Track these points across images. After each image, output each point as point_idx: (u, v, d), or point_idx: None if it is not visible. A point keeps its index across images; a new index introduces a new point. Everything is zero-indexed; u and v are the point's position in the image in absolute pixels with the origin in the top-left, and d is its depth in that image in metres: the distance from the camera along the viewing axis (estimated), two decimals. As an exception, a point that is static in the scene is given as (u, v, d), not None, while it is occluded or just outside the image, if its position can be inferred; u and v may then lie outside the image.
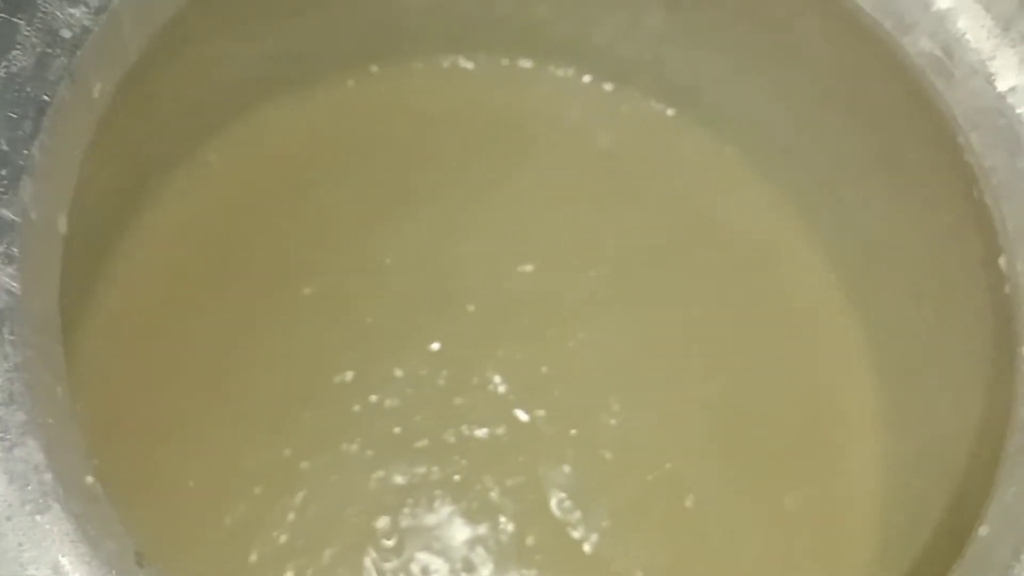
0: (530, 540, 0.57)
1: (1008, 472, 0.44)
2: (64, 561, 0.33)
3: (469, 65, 0.69)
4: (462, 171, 0.66)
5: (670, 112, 0.69)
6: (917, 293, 0.59)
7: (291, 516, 0.56)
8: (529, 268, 0.64)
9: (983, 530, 0.42)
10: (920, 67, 0.50)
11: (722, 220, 0.67)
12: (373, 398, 0.59)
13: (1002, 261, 0.47)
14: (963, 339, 0.54)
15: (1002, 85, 0.47)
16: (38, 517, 0.33)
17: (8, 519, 0.33)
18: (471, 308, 0.62)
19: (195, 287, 0.61)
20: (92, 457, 0.37)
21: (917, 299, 0.59)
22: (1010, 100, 0.47)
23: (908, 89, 0.52)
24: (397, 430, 0.59)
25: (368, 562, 0.56)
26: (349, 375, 0.60)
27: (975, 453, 0.51)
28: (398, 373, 0.60)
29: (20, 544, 0.33)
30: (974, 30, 0.47)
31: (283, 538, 0.56)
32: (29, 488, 0.33)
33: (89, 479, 0.35)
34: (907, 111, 0.54)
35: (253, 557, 0.55)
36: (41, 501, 0.33)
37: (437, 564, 0.56)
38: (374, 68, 0.68)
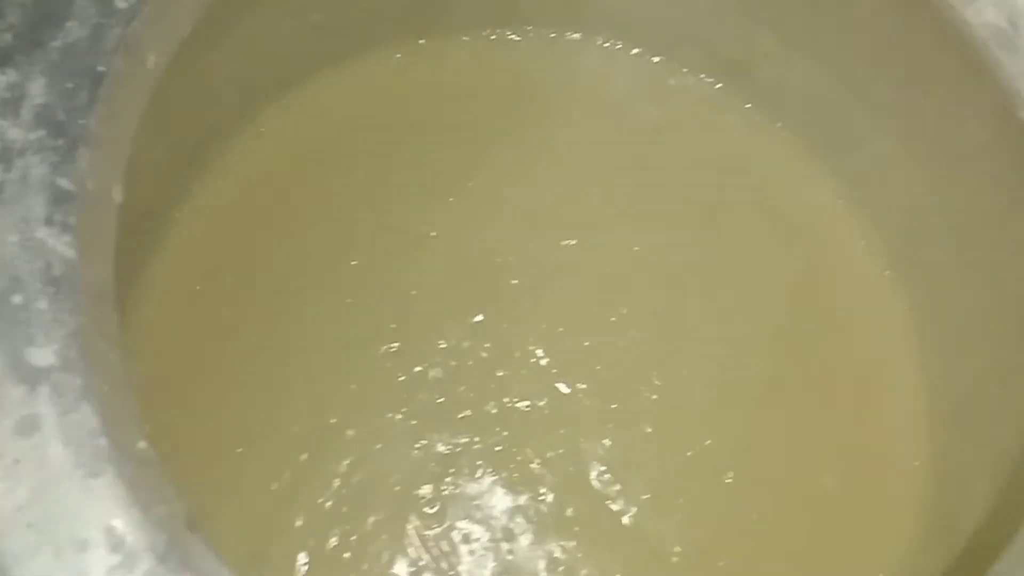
0: (569, 512, 0.58)
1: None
2: (117, 524, 0.34)
3: (516, 38, 0.68)
4: (508, 144, 0.66)
5: (718, 86, 0.69)
6: (969, 271, 0.58)
7: (336, 483, 0.57)
8: (573, 242, 0.64)
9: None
10: (983, 39, 0.48)
11: (769, 197, 0.66)
12: (417, 369, 0.60)
13: (1060, 239, 0.46)
14: (1016, 318, 0.53)
15: (1067, 60, 0.46)
16: (92, 481, 0.34)
17: (63, 482, 0.34)
18: (514, 281, 0.62)
19: (246, 258, 0.62)
20: (145, 423, 0.38)
21: (969, 277, 0.58)
22: (1074, 76, 0.46)
23: (968, 61, 0.51)
24: (440, 400, 0.59)
25: (410, 529, 0.57)
26: (395, 346, 0.60)
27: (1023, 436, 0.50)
28: (442, 344, 0.61)
29: (74, 507, 0.34)
30: (1041, 2, 0.46)
31: (328, 504, 0.57)
32: (84, 452, 0.35)
33: (142, 444, 0.36)
34: (966, 85, 0.53)
35: (299, 522, 0.57)
36: (95, 465, 0.34)
37: (478, 532, 0.57)
38: (422, 41, 0.68)
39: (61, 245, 0.36)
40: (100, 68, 0.39)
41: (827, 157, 0.66)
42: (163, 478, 0.37)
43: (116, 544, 0.33)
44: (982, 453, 0.55)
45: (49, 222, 0.36)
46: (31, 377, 0.35)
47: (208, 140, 0.62)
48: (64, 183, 0.37)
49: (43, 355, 0.35)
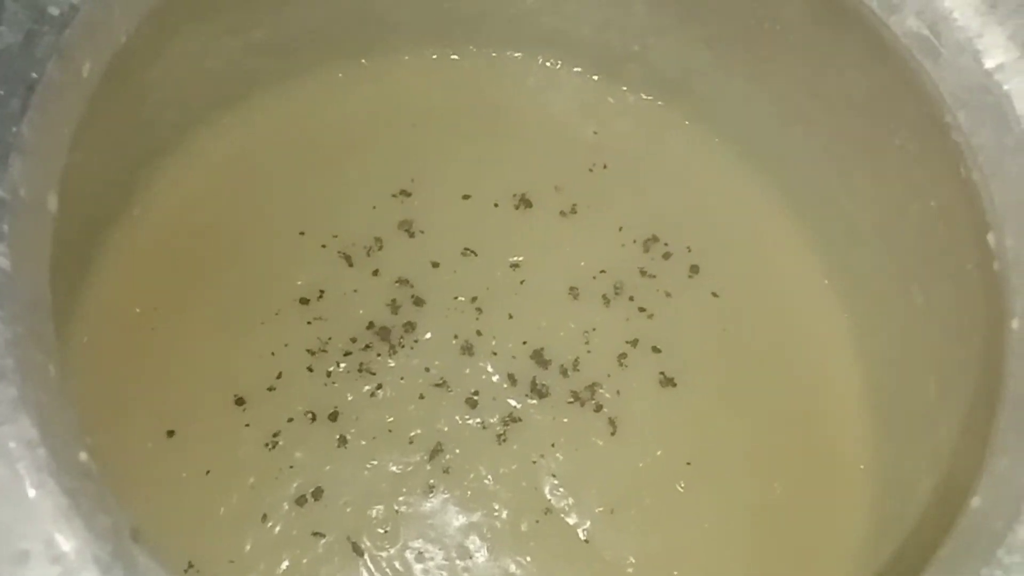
0: (524, 527, 0.57)
1: (1000, 446, 0.44)
2: (58, 535, 0.33)
3: (457, 57, 0.69)
4: (450, 163, 0.66)
5: (659, 104, 0.70)
6: (903, 277, 0.59)
7: (284, 506, 0.56)
8: (518, 259, 0.64)
9: (975, 501, 0.43)
10: (907, 47, 0.50)
11: (709, 210, 0.67)
12: (366, 388, 0.59)
13: (991, 238, 0.48)
14: (951, 320, 0.55)
15: (989, 63, 0.48)
16: (31, 492, 0.33)
17: (1, 494, 0.33)
18: (460, 298, 0.62)
19: (186, 277, 0.61)
20: (86, 435, 0.37)
21: (904, 283, 0.59)
22: (997, 77, 0.47)
23: (894, 71, 0.52)
24: (390, 419, 0.59)
25: (363, 550, 0.55)
26: (343, 366, 0.60)
27: (964, 430, 0.51)
28: (391, 364, 0.60)
29: (12, 519, 0.32)
30: (961, 8, 0.48)
31: (277, 528, 0.56)
32: (22, 463, 0.33)
33: (83, 456, 0.35)
34: (893, 94, 0.54)
35: (248, 546, 0.55)
36: (34, 476, 0.33)
37: (432, 551, 0.56)
38: (363, 61, 0.68)
39: (-6, 253, 0.35)
40: (33, 75, 0.38)
41: (765, 171, 0.68)
42: (106, 490, 0.35)
43: (57, 556, 0.32)
44: (923, 454, 0.56)
45: (-19, 229, 0.35)
46: (-37, 388, 0.34)
47: (147, 159, 0.61)
48: (-3, 190, 0.36)
49: (-24, 365, 0.34)
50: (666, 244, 0.65)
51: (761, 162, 0.68)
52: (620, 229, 0.65)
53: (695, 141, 0.69)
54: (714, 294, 0.64)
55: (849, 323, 0.64)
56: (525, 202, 0.66)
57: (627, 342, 0.62)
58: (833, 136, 0.63)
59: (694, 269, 0.65)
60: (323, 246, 0.63)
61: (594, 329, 0.62)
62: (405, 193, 0.65)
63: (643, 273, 0.64)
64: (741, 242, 0.66)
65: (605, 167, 0.67)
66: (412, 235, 0.64)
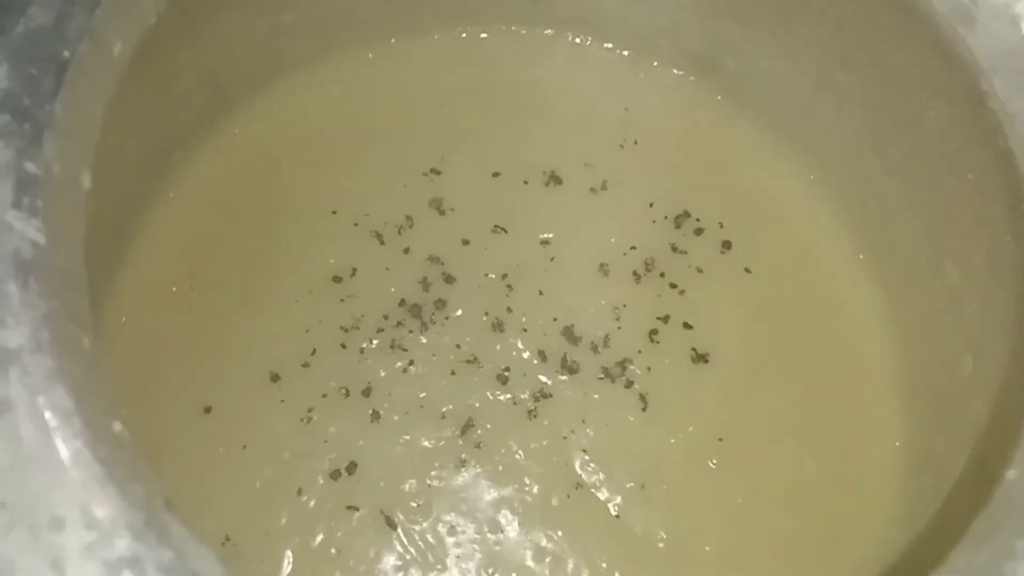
0: (555, 502, 0.57)
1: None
2: (93, 502, 0.34)
3: (486, 35, 0.69)
4: (480, 140, 0.66)
5: (690, 79, 0.70)
6: (938, 252, 0.58)
7: (320, 480, 0.57)
8: (548, 235, 0.64)
9: (1011, 474, 0.42)
10: (941, 13, 0.49)
11: (741, 186, 0.67)
12: (398, 364, 0.60)
13: (1028, 206, 0.47)
14: (985, 294, 0.54)
15: (1026, 27, 0.47)
16: (66, 460, 0.34)
17: (36, 462, 0.34)
18: (490, 275, 0.62)
19: (220, 257, 0.62)
20: (120, 407, 0.37)
21: (938, 258, 0.58)
22: (1033, 42, 0.46)
23: (928, 38, 0.51)
24: (422, 395, 0.59)
25: (396, 524, 0.56)
26: (375, 343, 0.60)
27: (999, 404, 0.50)
28: (422, 340, 0.60)
29: (48, 486, 0.33)
30: (997, -28, 0.47)
31: (312, 502, 0.56)
32: (58, 432, 0.34)
33: (117, 426, 0.36)
34: (927, 63, 0.53)
35: (283, 520, 0.56)
36: (70, 445, 0.34)
37: (464, 525, 0.56)
38: (392, 41, 0.68)
39: (29, 229, 0.36)
40: (65, 54, 0.39)
41: (797, 145, 0.67)
42: (139, 459, 0.36)
43: (92, 522, 0.33)
44: (957, 429, 0.55)
45: (16, 206, 0.36)
46: (1, 359, 0.35)
47: (180, 141, 0.62)
48: (30, 167, 0.37)
49: (13, 337, 0.35)
50: (697, 220, 0.65)
51: (793, 137, 0.67)
52: (651, 205, 0.65)
53: (727, 116, 0.68)
54: (746, 270, 0.64)
55: (883, 298, 0.63)
56: (555, 179, 0.66)
57: (658, 318, 0.62)
58: (866, 109, 0.62)
59: (726, 245, 0.64)
60: (355, 225, 0.63)
61: (625, 305, 0.62)
62: (435, 172, 0.65)
63: (674, 249, 0.64)
64: (773, 218, 0.65)
65: (636, 143, 0.67)
66: (443, 213, 0.64)
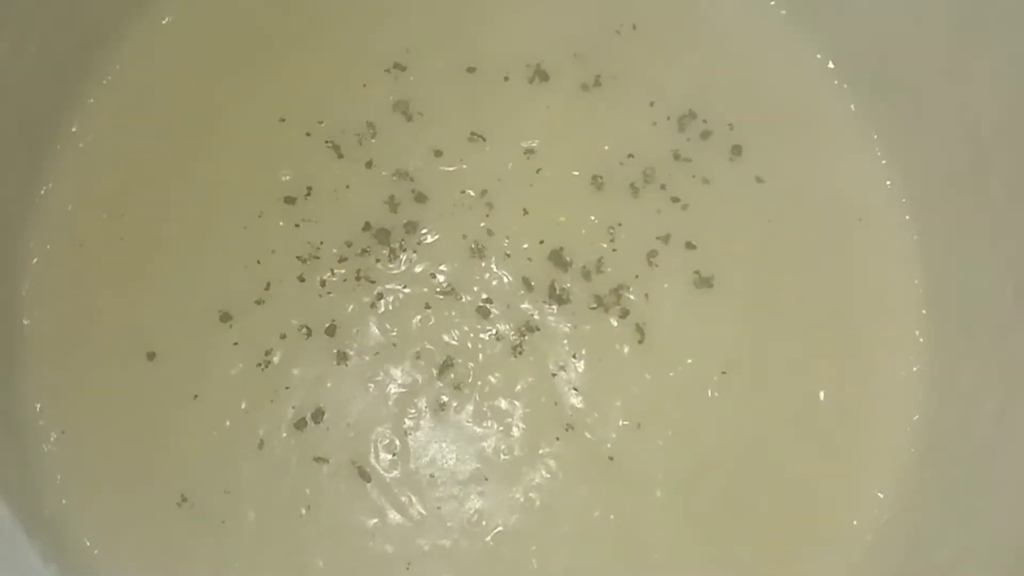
0: (543, 448, 0.52)
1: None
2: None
3: None
4: (451, 26, 0.57)
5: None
6: (982, 166, 0.51)
7: (283, 432, 0.52)
8: (533, 143, 0.56)
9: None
10: None
11: (754, 81, 0.58)
12: (365, 299, 0.53)
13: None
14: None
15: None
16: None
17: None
18: (469, 192, 0.55)
19: (154, 176, 0.54)
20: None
21: (981, 173, 0.51)
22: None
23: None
24: (394, 333, 0.53)
25: (370, 475, 0.52)
26: (341, 271, 0.53)
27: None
28: (392, 270, 0.54)
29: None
30: None
31: (277, 451, 0.51)
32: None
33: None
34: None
35: (245, 471, 0.51)
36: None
37: (445, 474, 0.52)
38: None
39: None
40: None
41: (820, 35, 0.59)
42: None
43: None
44: (988, 366, 0.50)
45: None
46: None
47: (97, 38, 0.53)
48: None
49: None
50: (704, 121, 0.57)
51: (816, 24, 0.58)
52: (651, 104, 0.57)
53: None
54: (758, 179, 0.57)
55: (912, 215, 0.56)
56: (540, 74, 0.57)
57: (657, 238, 0.56)
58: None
59: (736, 150, 0.57)
60: (307, 134, 0.56)
61: (620, 224, 0.56)
62: (399, 67, 0.57)
63: (677, 156, 0.57)
64: (791, 119, 0.58)
65: (634, 28, 0.58)
66: (409, 118, 0.56)
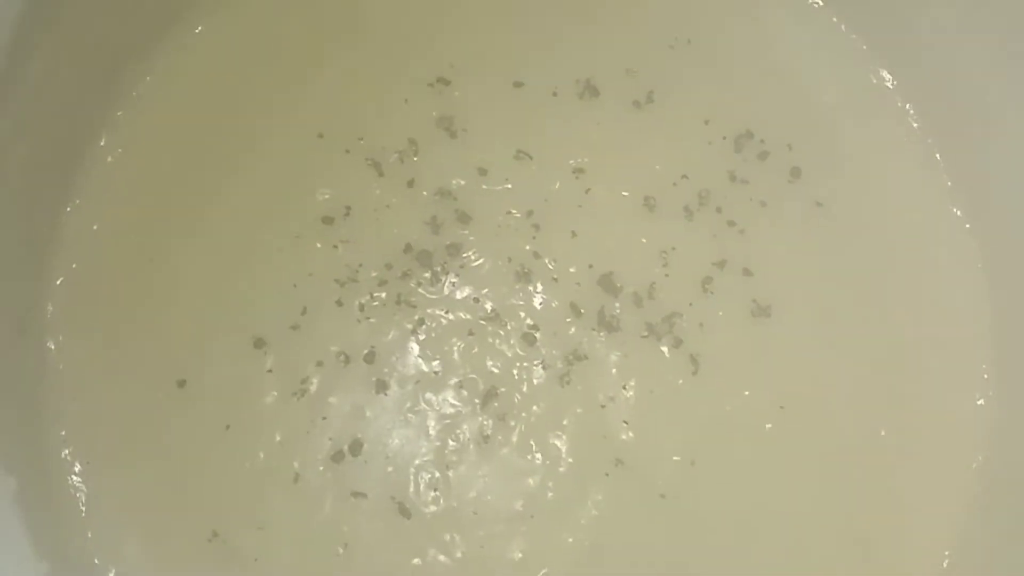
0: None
1: None
2: None
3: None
4: (498, 40, 0.55)
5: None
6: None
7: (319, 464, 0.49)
8: (583, 162, 0.54)
9: None
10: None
11: (815, 100, 0.56)
12: (405, 324, 0.51)
13: None
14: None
15: None
16: None
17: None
18: (514, 214, 0.53)
19: (186, 195, 0.52)
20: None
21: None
22: None
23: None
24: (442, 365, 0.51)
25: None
26: (378, 297, 0.51)
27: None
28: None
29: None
30: None
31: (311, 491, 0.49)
32: None
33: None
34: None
35: (278, 512, 0.49)
36: None
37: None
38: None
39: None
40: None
41: (886, 56, 0.57)
42: None
43: None
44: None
45: None
46: None
47: (130, 52, 0.51)
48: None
49: None
50: (762, 141, 0.55)
51: (878, 42, 0.56)
52: (706, 123, 0.55)
53: (801, 14, 0.57)
54: (818, 203, 0.55)
55: (980, 242, 0.54)
56: (590, 90, 0.55)
57: (713, 264, 0.54)
58: (965, 13, 0.51)
59: (795, 172, 0.55)
60: (347, 152, 0.53)
61: (673, 248, 0.53)
62: (443, 81, 0.55)
63: (733, 178, 0.55)
64: (852, 141, 0.56)
65: (689, 43, 0.56)
66: (453, 135, 0.54)
